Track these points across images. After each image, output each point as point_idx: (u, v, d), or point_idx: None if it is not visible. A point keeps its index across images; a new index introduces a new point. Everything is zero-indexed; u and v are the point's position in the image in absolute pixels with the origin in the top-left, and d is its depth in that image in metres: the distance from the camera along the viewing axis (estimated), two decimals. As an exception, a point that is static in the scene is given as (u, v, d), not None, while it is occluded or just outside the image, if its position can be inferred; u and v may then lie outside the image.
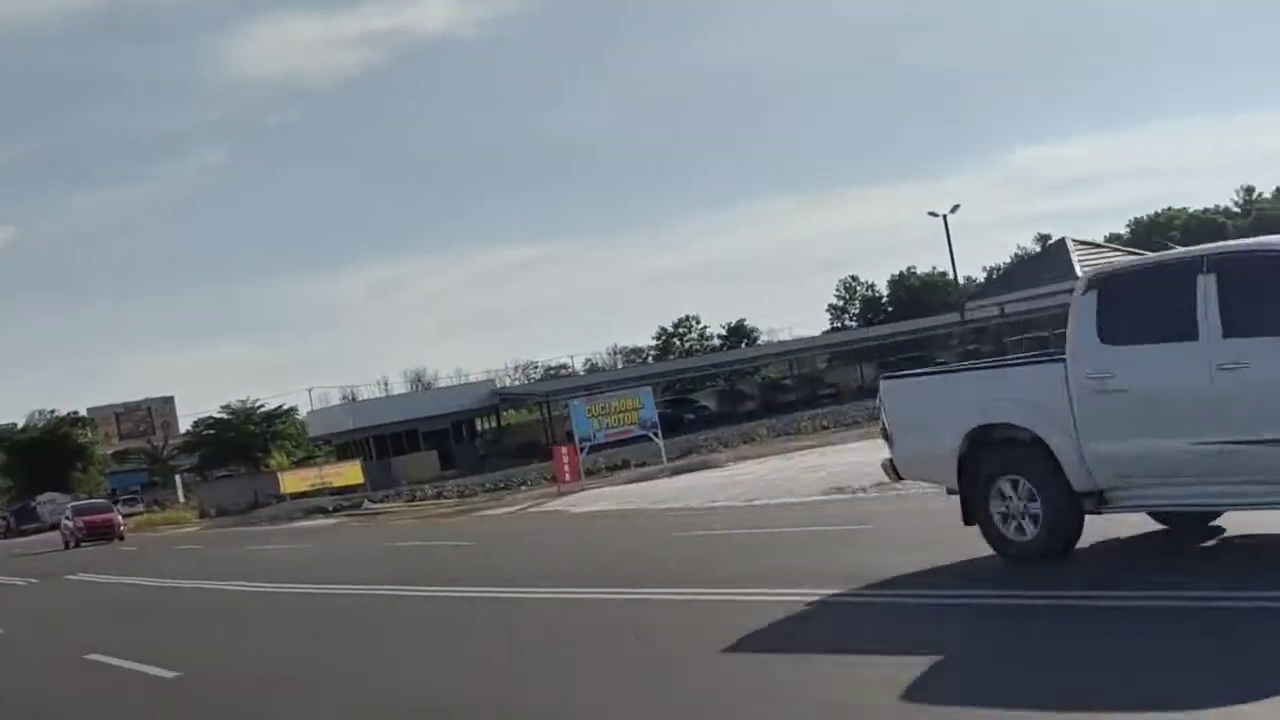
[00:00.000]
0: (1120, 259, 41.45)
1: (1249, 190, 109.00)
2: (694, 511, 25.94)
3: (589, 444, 38.58)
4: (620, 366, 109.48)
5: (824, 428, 51.46)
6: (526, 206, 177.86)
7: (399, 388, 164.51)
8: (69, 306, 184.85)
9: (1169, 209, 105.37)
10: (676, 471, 36.23)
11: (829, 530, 17.79)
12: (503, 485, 49.22)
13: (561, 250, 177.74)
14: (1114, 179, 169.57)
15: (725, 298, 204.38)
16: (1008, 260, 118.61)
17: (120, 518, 54.14)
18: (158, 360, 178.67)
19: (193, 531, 55.14)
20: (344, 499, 54.98)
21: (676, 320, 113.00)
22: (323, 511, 52.38)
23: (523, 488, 46.90)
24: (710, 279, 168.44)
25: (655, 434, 39.36)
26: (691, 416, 77.15)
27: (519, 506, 36.21)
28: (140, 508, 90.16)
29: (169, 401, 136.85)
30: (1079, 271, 38.03)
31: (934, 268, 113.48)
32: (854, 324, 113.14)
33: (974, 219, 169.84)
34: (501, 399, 76.78)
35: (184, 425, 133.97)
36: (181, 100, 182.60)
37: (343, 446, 74.81)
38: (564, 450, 38.03)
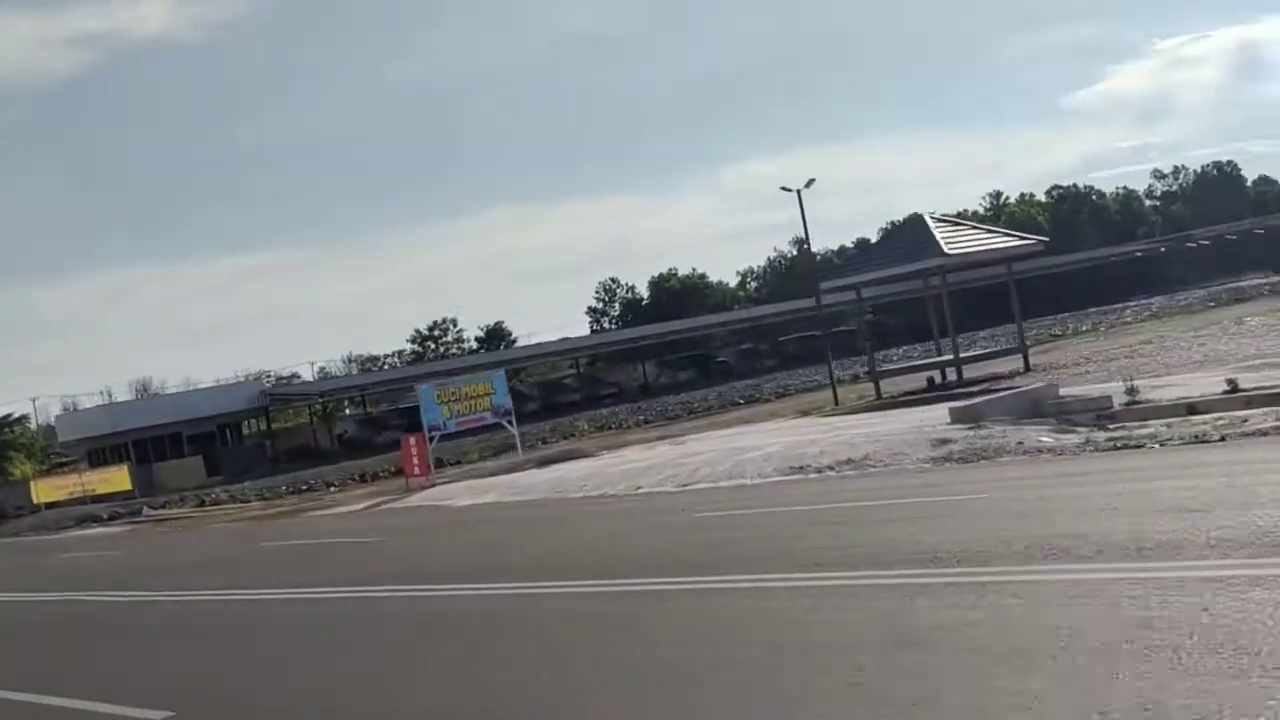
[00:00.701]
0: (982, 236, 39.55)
1: (996, 195, 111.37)
2: (630, 497, 22.25)
3: (439, 433, 34.16)
4: (355, 373, 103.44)
5: (646, 421, 48.28)
6: (252, 213, 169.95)
7: (122, 398, 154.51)
8: None
9: (917, 214, 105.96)
10: (544, 463, 32.22)
11: (924, 502, 14.47)
12: (305, 487, 44.40)
13: (289, 259, 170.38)
14: (834, 192, 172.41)
15: (452, 304, 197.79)
16: (763, 264, 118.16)
17: None
18: None
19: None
20: (119, 506, 48.74)
21: (432, 324, 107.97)
22: (96, 519, 46.27)
23: (331, 489, 42.28)
24: (437, 288, 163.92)
25: (509, 422, 35.28)
26: (471, 417, 72.97)
27: (365, 504, 31.59)
28: None
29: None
30: (945, 248, 35.76)
31: (694, 269, 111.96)
32: (613, 326, 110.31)
33: (706, 230, 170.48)
34: (271, 400, 70.56)
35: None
36: None
37: (97, 452, 67.49)
38: (412, 441, 33.49)
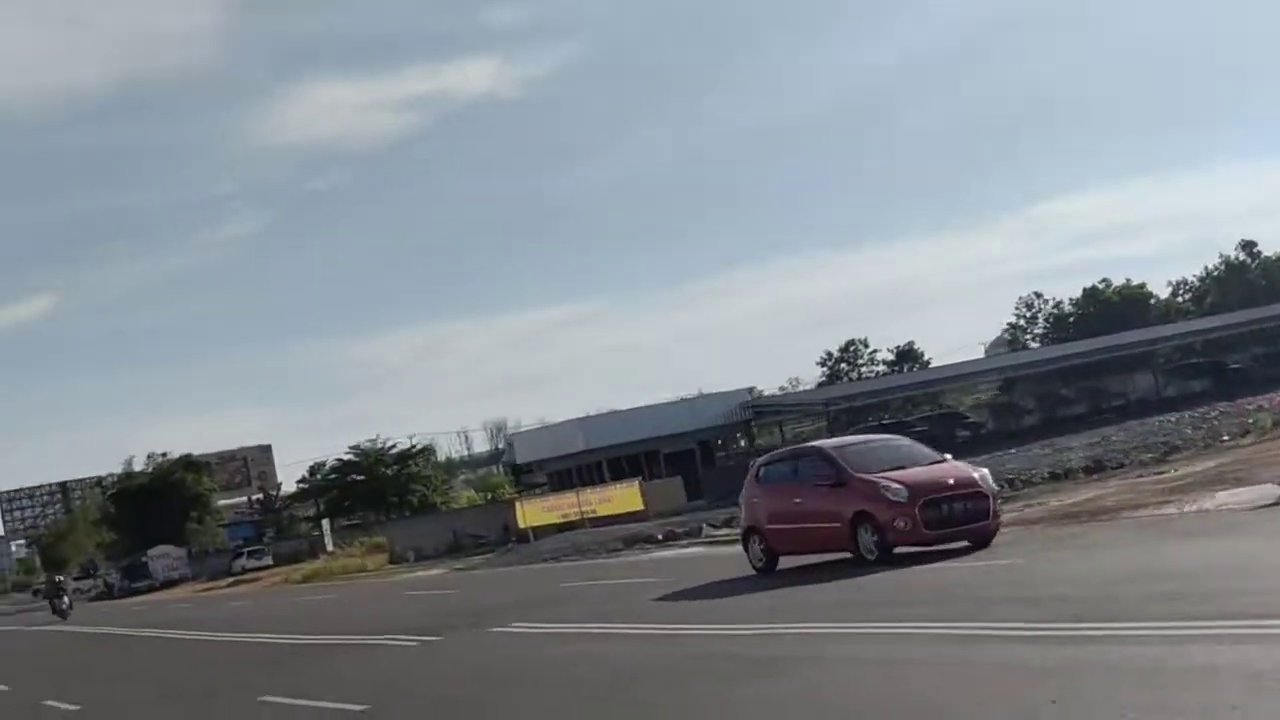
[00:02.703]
0: None
1: None
2: None
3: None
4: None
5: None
6: (563, 265, 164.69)
7: (480, 440, 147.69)
8: (109, 370, 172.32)
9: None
10: None
11: None
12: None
13: (599, 308, 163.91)
14: (1146, 227, 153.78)
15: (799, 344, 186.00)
16: (1200, 273, 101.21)
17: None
18: (199, 423, 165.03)
19: (479, 577, 37.67)
20: (674, 526, 37.41)
21: (844, 344, 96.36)
22: (650, 541, 35.16)
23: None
24: (766, 328, 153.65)
25: None
26: (966, 433, 60.11)
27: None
28: (268, 560, 72.99)
29: (266, 450, 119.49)
30: None
31: (1128, 280, 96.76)
32: (1036, 344, 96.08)
33: (1004, 270, 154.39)
34: (756, 412, 58.89)
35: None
36: (223, 168, 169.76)
37: (561, 474, 57.19)
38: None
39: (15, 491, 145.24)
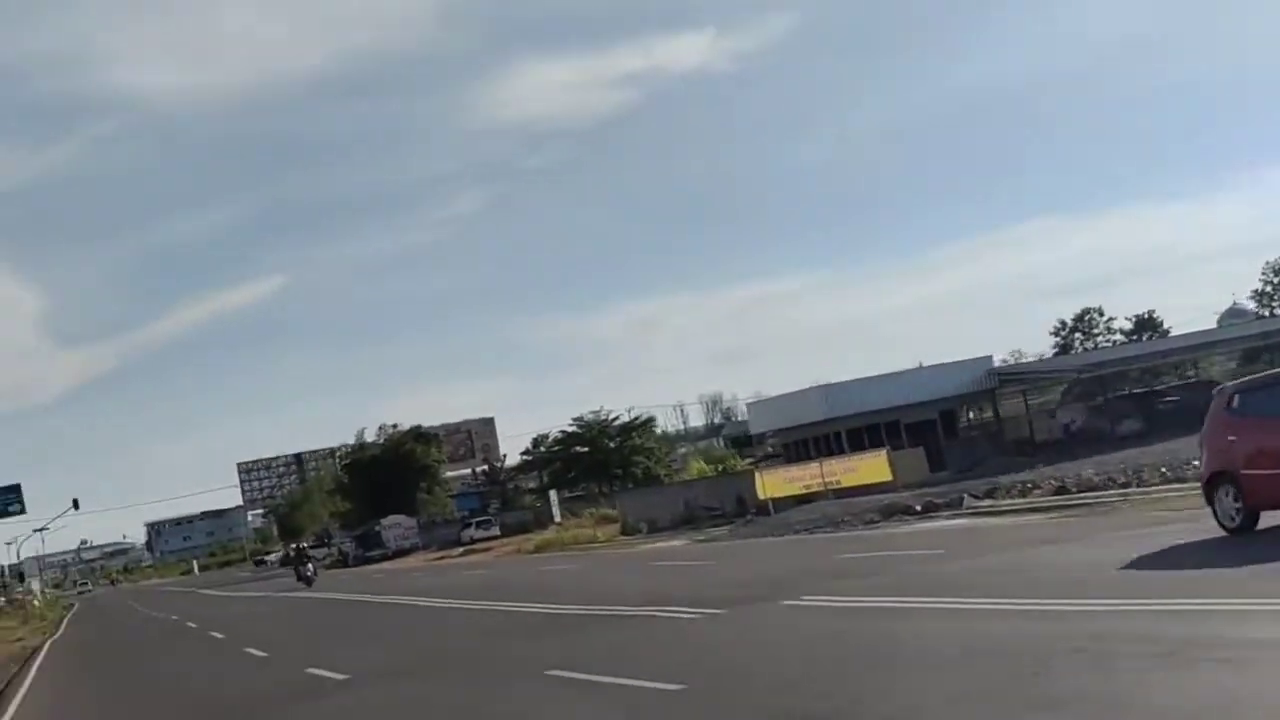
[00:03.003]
0: None
1: None
2: None
3: None
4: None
5: None
6: (776, 239, 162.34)
7: (696, 414, 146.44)
8: (337, 346, 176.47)
9: None
10: None
11: None
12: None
13: (814, 281, 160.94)
14: None
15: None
16: None
17: None
18: (423, 396, 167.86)
19: (744, 547, 35.94)
20: (933, 497, 34.83)
21: (1079, 312, 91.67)
22: (908, 512, 32.73)
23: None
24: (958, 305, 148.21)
25: None
26: None
27: None
28: (496, 530, 72.89)
29: (489, 423, 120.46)
30: None
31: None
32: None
33: (1242, 238, 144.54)
34: (1001, 380, 55.66)
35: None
36: (446, 147, 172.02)
37: (796, 444, 55.07)
38: None
39: (253, 463, 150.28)
